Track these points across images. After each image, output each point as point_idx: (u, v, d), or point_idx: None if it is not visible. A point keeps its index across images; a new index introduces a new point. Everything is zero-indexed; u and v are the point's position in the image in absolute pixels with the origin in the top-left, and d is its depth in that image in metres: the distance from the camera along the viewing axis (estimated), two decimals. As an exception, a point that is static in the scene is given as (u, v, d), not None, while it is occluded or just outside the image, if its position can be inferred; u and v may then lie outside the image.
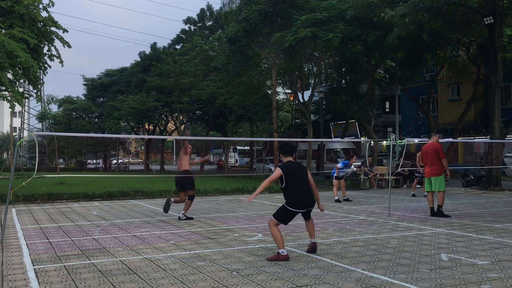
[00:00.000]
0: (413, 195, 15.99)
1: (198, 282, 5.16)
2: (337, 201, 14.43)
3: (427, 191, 10.96)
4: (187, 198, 10.49)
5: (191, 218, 10.46)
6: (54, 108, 51.28)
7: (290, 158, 6.60)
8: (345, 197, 14.85)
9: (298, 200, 6.32)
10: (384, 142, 28.31)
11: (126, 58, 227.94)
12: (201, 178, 26.96)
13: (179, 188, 10.66)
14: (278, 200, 15.06)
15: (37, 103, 50.84)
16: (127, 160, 55.55)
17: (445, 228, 8.84)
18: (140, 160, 74.15)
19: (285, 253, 6.25)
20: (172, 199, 10.66)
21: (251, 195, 6.50)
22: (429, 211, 10.88)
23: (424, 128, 33.57)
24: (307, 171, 6.67)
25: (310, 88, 28.72)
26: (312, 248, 6.67)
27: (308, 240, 6.94)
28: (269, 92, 30.07)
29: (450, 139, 26.28)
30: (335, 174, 14.94)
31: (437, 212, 10.56)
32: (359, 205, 13.33)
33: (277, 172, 6.40)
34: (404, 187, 20.74)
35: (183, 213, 10.41)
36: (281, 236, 6.29)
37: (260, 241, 7.64)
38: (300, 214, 6.51)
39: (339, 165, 15.32)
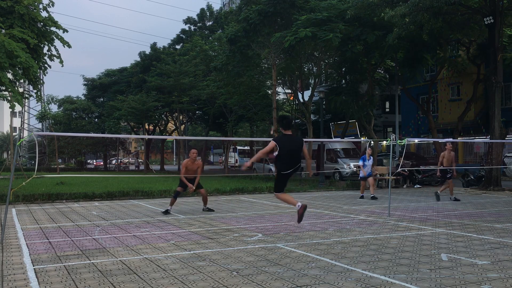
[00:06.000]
0: (456, 199, 14.38)
1: (198, 282, 5.15)
2: (373, 198, 14.70)
3: None
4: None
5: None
6: (54, 108, 51.37)
7: (289, 132, 7.16)
8: (373, 195, 14.95)
9: (287, 165, 7.11)
10: (384, 142, 28.32)
11: (126, 58, 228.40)
12: (201, 178, 26.88)
13: None
14: (278, 200, 15.05)
15: (37, 103, 50.86)
16: (127, 160, 55.55)
17: (445, 228, 8.83)
18: (140, 160, 74.12)
19: (300, 204, 7.12)
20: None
21: (247, 161, 7.41)
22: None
23: (424, 128, 33.56)
24: (303, 145, 7.41)
25: (310, 88, 28.73)
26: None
27: (308, 240, 6.95)
28: (269, 92, 30.09)
29: (450, 139, 26.26)
30: (362, 175, 15.03)
31: None
32: (359, 205, 13.32)
33: (271, 143, 7.09)
34: (404, 187, 20.73)
35: None
36: (289, 197, 7.31)
37: (260, 241, 7.64)
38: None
39: (360, 163, 15.35)
